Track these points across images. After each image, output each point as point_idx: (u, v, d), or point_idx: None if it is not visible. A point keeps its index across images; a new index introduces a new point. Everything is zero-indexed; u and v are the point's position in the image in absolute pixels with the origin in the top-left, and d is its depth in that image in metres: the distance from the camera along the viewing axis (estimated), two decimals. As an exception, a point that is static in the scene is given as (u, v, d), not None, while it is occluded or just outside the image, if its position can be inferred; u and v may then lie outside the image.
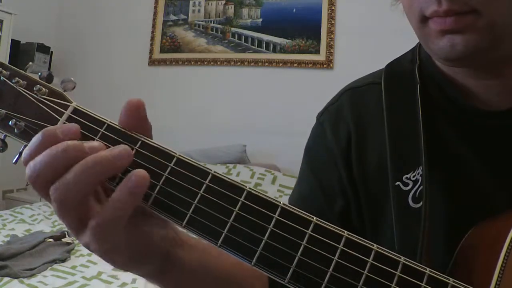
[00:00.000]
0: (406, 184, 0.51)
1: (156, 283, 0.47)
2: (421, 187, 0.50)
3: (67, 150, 0.37)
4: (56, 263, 1.69)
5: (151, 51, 3.16)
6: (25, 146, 0.41)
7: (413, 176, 0.51)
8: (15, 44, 2.84)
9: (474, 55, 0.46)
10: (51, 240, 1.87)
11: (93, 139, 0.40)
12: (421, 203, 0.49)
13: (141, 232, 0.41)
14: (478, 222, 0.47)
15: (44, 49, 2.99)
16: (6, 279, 1.50)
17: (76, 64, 3.30)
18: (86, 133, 0.40)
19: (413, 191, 0.51)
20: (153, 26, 3.17)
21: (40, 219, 2.26)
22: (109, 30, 3.27)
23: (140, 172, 0.37)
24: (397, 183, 0.52)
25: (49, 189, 0.37)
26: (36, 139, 0.38)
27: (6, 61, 2.46)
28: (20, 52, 2.90)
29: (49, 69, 3.05)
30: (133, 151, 0.40)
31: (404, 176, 0.52)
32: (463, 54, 0.45)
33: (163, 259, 0.43)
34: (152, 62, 3.16)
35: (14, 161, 0.42)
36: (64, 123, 0.41)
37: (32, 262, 1.64)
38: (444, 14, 0.45)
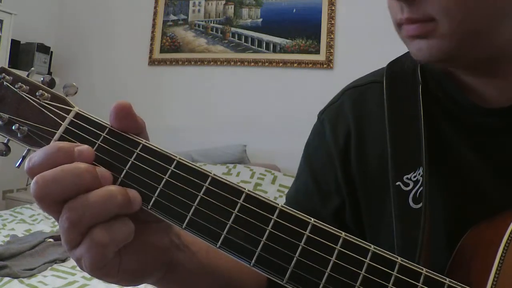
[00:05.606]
0: (407, 184, 0.51)
1: (158, 286, 0.47)
2: (422, 187, 0.50)
3: (89, 174, 0.37)
4: (56, 263, 1.69)
5: (151, 51, 3.16)
6: (28, 150, 0.41)
7: (414, 177, 0.51)
8: (15, 44, 2.84)
9: (443, 59, 0.47)
10: (51, 240, 1.87)
11: (95, 143, 0.41)
12: (422, 203, 0.49)
13: (137, 256, 0.41)
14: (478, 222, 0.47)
15: (44, 49, 2.99)
16: (6, 279, 1.50)
17: (76, 64, 3.30)
18: (88, 137, 0.41)
19: (413, 192, 0.50)
20: (153, 26, 3.17)
21: (40, 219, 2.27)
22: (109, 30, 3.27)
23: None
24: (398, 183, 0.51)
25: (62, 208, 0.37)
26: (50, 151, 0.38)
27: (6, 61, 2.47)
28: (20, 52, 2.90)
29: (49, 69, 3.06)
30: (134, 155, 0.40)
31: (405, 176, 0.51)
32: (429, 59, 0.47)
33: (164, 268, 0.44)
34: (152, 62, 3.16)
35: (17, 165, 0.42)
36: (67, 127, 0.41)
37: (32, 262, 1.65)
38: (406, 22, 0.47)
